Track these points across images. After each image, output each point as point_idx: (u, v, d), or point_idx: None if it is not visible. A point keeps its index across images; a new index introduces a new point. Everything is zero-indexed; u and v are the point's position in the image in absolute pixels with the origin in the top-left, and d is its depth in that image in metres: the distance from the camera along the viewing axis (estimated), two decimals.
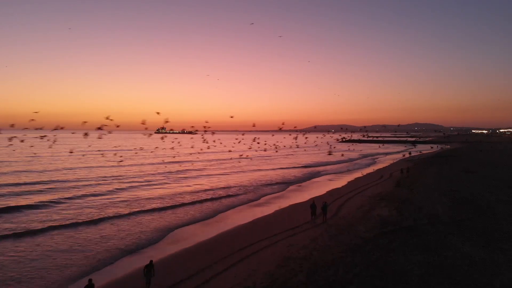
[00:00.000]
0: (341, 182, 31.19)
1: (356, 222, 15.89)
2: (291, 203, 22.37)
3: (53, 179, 30.17)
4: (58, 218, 17.32)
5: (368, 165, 47.36)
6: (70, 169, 38.56)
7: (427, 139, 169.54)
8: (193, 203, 22.26)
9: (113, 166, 40.88)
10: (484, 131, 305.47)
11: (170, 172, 37.03)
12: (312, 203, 17.29)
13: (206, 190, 26.88)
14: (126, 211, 18.94)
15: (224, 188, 27.44)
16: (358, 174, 36.34)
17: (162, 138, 41.08)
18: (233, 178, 32.90)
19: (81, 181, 29.52)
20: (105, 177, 32.02)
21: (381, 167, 43.98)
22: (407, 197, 20.96)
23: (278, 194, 26.11)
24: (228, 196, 24.51)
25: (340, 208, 19.63)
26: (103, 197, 22.86)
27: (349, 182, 30.86)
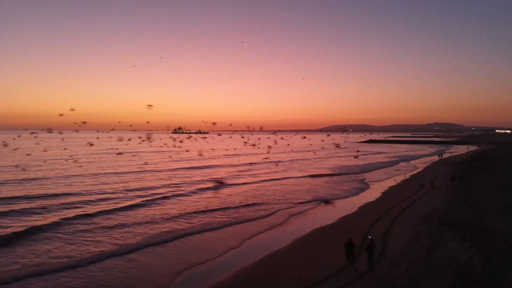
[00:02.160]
0: (373, 193, 25.34)
1: (420, 272, 10.23)
2: (316, 224, 16.70)
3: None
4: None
5: (399, 169, 41.36)
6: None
7: (451, 139, 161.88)
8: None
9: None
10: (507, 131, 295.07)
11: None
12: (347, 241, 11.14)
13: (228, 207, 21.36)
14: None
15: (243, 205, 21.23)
16: (390, 182, 30.44)
17: (189, 137, 41.79)
18: (257, 189, 26.68)
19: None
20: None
21: (415, 172, 38.01)
22: (477, 221, 15.04)
23: (302, 208, 20.22)
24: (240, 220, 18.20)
25: (386, 239, 13.82)
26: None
27: (383, 194, 24.91)
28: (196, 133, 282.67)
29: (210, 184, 27.45)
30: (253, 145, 40.04)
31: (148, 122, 58.86)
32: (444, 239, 12.96)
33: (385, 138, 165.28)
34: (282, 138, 77.76)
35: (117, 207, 19.25)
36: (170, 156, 50.47)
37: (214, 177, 31.63)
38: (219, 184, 27.51)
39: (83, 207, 19.28)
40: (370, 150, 79.86)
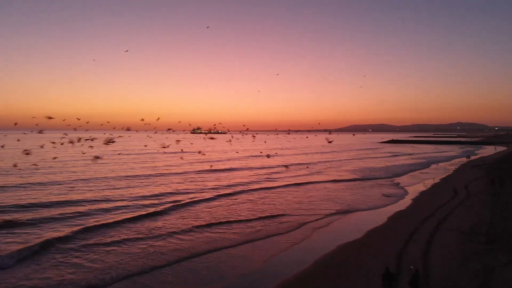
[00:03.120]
0: (403, 200, 23.01)
1: None
2: (341, 239, 14.42)
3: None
4: None
5: (427, 172, 38.91)
6: (191, 172, 34.95)
7: (475, 139, 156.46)
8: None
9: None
10: None
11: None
12: (385, 273, 9.07)
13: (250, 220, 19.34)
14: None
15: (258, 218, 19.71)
16: (420, 187, 28.04)
17: (212, 138, 46.86)
18: (279, 195, 24.33)
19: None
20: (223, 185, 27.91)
21: (445, 175, 35.50)
22: None
23: (323, 221, 17.54)
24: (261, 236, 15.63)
25: (427, 261, 11.53)
26: None
27: (414, 201, 22.59)
28: (214, 133, 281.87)
29: (230, 190, 25.56)
30: (266, 152, 37.69)
31: (157, 119, 57.58)
32: (499, 262, 10.78)
33: (406, 138, 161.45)
34: (307, 137, 76.22)
35: (128, 217, 17.38)
36: (181, 158, 49.00)
37: (235, 181, 29.74)
38: (240, 189, 25.92)
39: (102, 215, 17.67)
40: (393, 151, 76.91)
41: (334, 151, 71.41)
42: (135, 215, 17.44)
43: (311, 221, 17.36)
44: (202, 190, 25.19)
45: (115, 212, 17.99)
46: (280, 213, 18.86)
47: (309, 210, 19.56)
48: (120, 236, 14.40)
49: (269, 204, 21.33)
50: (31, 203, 19.64)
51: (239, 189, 25.82)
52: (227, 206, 20.50)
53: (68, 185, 25.82)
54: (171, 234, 14.95)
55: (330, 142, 34.46)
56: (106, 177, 30.05)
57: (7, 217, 16.47)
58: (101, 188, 25.06)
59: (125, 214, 17.74)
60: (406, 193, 25.74)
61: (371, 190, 26.88)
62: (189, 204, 20.49)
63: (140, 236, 14.63)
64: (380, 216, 18.59)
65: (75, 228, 15.07)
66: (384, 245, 13.47)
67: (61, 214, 17.56)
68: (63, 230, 14.91)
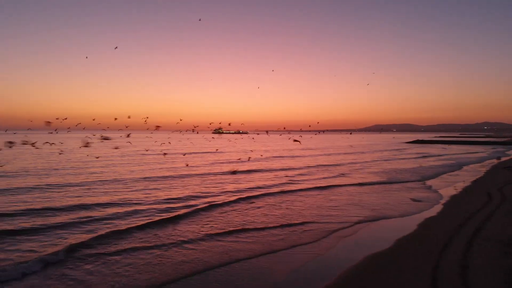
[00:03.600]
0: (432, 204, 21.25)
1: None
2: (368, 248, 13.19)
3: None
4: None
5: (456, 174, 36.97)
6: (213, 174, 32.43)
7: (504, 139, 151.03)
8: None
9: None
10: None
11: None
12: None
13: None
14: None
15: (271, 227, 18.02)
16: (450, 190, 26.27)
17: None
18: (301, 199, 22.86)
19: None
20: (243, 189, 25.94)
21: (476, 178, 33.54)
22: None
23: (348, 229, 16.07)
24: (282, 247, 14.52)
25: (467, 277, 10.17)
26: None
27: (445, 206, 20.90)
28: (235, 133, 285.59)
29: (249, 193, 24.25)
30: (296, 141, 35.23)
31: (180, 121, 58.40)
32: None
33: (432, 138, 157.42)
34: (323, 131, 74.72)
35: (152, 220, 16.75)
36: (201, 158, 48.36)
37: (255, 184, 28.41)
38: (260, 192, 24.55)
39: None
40: (420, 152, 74.43)
41: (358, 152, 69.61)
42: (143, 222, 16.31)
43: (335, 229, 16.01)
44: (220, 193, 24.11)
45: (127, 218, 17.06)
46: (302, 219, 17.52)
47: (333, 217, 18.14)
48: (124, 246, 13.50)
49: (290, 209, 20.01)
50: (48, 207, 18.99)
51: (259, 192, 24.47)
52: (246, 211, 19.28)
53: (84, 187, 25.41)
54: (183, 243, 13.88)
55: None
56: (123, 179, 29.47)
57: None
58: (118, 190, 24.38)
59: (135, 220, 16.75)
60: (436, 197, 23.99)
61: (399, 194, 25.22)
62: (204, 209, 19.33)
63: (148, 244, 13.71)
64: (409, 223, 17.14)
65: (83, 236, 14.36)
66: (416, 257, 12.23)
67: (71, 219, 16.83)
68: (76, 236, 14.25)
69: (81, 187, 25.40)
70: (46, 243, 13.51)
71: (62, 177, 29.94)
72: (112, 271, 11.22)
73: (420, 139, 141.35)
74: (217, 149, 64.69)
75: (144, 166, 40.21)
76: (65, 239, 13.99)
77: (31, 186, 25.35)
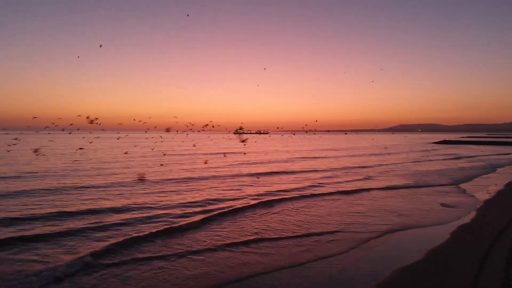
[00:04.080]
0: (464, 211, 19.53)
1: None
2: (398, 261, 11.74)
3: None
4: None
5: (488, 177, 34.52)
6: (230, 176, 30.04)
7: None
8: None
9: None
10: None
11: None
12: None
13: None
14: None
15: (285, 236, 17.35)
16: (482, 195, 24.43)
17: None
18: (323, 205, 21.32)
19: None
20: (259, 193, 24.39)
21: (510, 181, 31.51)
22: None
23: (376, 240, 14.64)
24: (303, 260, 13.77)
25: None
26: None
27: (479, 212, 19.31)
28: (256, 133, 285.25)
29: (270, 197, 22.86)
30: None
31: (211, 121, 58.48)
32: None
33: (460, 138, 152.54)
34: (344, 133, 73.05)
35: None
36: (224, 157, 47.46)
37: (276, 187, 26.81)
38: (281, 197, 23.10)
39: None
40: (448, 153, 71.66)
41: (382, 154, 67.45)
42: (147, 232, 14.97)
43: (363, 239, 14.64)
44: (238, 197, 22.82)
45: (135, 226, 16.03)
46: (327, 228, 16.15)
47: (361, 225, 16.70)
48: (127, 257, 12.51)
49: (313, 215, 18.55)
50: (60, 212, 18.28)
51: (280, 197, 23.04)
52: (265, 218, 17.97)
53: (101, 189, 24.87)
54: (191, 253, 12.76)
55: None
56: (145, 180, 28.91)
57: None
58: (133, 193, 23.61)
59: (145, 228, 15.71)
60: (471, 202, 22.27)
61: (428, 198, 23.54)
62: (220, 215, 18.05)
63: (152, 254, 12.68)
64: (441, 232, 15.65)
65: (93, 245, 13.54)
66: (451, 271, 10.91)
67: (84, 224, 16.07)
68: (87, 245, 13.47)
69: (97, 189, 24.89)
70: (58, 251, 12.79)
71: (79, 178, 29.63)
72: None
73: (447, 139, 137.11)
74: (245, 153, 63.66)
75: (165, 167, 39.61)
76: (80, 246, 13.25)
77: (46, 188, 24.96)
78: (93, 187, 25.77)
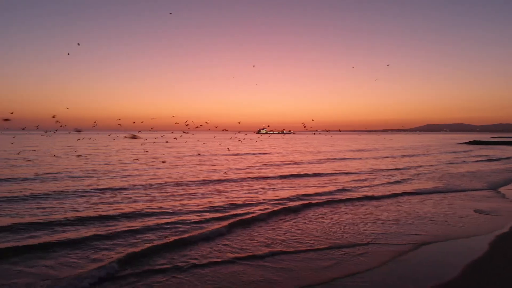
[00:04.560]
0: (501, 219, 17.66)
1: None
2: (430, 279, 10.22)
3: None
4: None
5: None
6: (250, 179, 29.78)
7: None
8: None
9: None
10: None
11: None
12: None
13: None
14: None
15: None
16: None
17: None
18: (349, 212, 19.84)
19: None
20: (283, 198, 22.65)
21: None
22: None
23: (407, 254, 13.15)
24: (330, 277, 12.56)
25: None
26: None
27: None
28: (279, 133, 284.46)
29: (293, 203, 21.11)
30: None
31: (239, 123, 58.61)
32: None
33: (490, 138, 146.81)
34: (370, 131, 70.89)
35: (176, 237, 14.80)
36: (242, 159, 46.27)
37: (301, 191, 25.13)
38: (305, 202, 21.40)
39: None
40: (479, 154, 68.35)
41: (410, 155, 64.89)
42: (153, 245, 13.46)
43: (396, 252, 13.13)
44: (257, 202, 21.32)
45: (141, 236, 14.73)
46: (354, 238, 14.66)
47: (391, 236, 15.11)
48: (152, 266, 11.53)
49: (339, 224, 16.99)
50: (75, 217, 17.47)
51: (303, 202, 21.38)
52: (286, 226, 16.49)
53: (121, 192, 24.12)
54: (195, 267, 11.55)
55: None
56: (162, 183, 27.91)
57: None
58: (145, 198, 22.52)
59: (152, 239, 14.30)
60: (507, 208, 20.38)
61: (462, 204, 21.78)
62: (235, 225, 16.42)
63: (155, 267, 11.50)
64: (479, 243, 14.13)
65: (116, 252, 12.59)
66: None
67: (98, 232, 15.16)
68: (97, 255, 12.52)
69: (117, 192, 24.19)
70: (79, 259, 11.96)
71: (98, 180, 29.05)
72: None
73: (477, 139, 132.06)
74: (269, 151, 62.46)
75: (184, 168, 38.79)
76: (102, 254, 12.38)
77: (60, 191, 24.35)
78: (114, 189, 25.10)
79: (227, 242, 14.07)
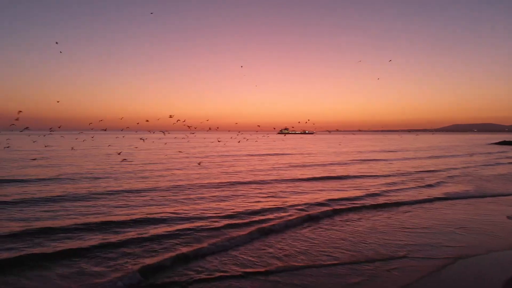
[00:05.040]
0: None
1: None
2: None
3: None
4: None
5: None
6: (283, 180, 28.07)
7: None
8: None
9: None
10: None
11: None
12: None
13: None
14: None
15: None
16: None
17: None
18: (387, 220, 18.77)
19: None
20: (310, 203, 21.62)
21: None
22: None
23: (447, 269, 11.78)
24: None
25: None
26: None
27: None
28: (300, 133, 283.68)
29: (316, 210, 19.43)
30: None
31: (259, 126, 58.35)
32: None
33: None
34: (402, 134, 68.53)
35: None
36: (263, 160, 45.14)
37: (325, 196, 23.36)
38: (330, 208, 19.94)
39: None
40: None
41: (439, 156, 62.28)
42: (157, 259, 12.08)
43: (431, 268, 11.73)
44: (277, 208, 19.78)
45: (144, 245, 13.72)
46: (384, 251, 13.30)
47: (426, 248, 13.70)
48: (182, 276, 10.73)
49: (367, 234, 15.49)
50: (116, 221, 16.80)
51: (327, 208, 19.81)
52: (309, 236, 15.12)
53: (135, 195, 23.46)
54: (218, 281, 10.53)
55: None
56: (179, 186, 27.11)
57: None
58: (168, 200, 21.92)
59: (159, 249, 13.21)
60: None
61: (494, 210, 20.23)
62: (253, 236, 14.98)
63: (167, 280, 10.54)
64: None
65: (139, 260, 11.80)
66: None
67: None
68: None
69: (132, 194, 23.58)
70: (101, 267, 11.23)
71: (115, 182, 28.54)
72: None
73: (508, 139, 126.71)
74: (291, 151, 61.32)
75: (204, 170, 38.04)
76: (126, 261, 11.67)
77: (77, 193, 23.87)
78: (135, 191, 24.53)
79: (246, 252, 13.05)
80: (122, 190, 24.70)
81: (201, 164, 42.40)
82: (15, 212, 18.14)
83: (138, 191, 24.73)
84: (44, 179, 29.02)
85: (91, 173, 33.46)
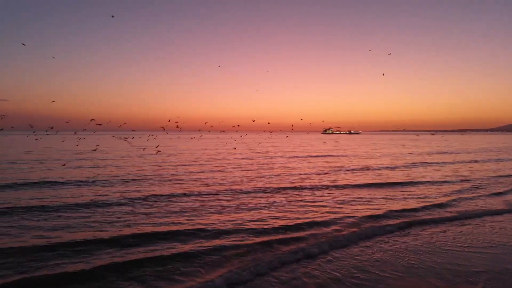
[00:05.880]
0: None
1: None
2: None
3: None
4: None
5: None
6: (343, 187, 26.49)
7: None
8: None
9: None
10: None
11: None
12: None
13: None
14: None
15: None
16: None
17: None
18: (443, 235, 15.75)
19: None
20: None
21: None
22: None
23: None
24: None
25: None
26: None
27: None
28: (346, 133, 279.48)
29: (364, 224, 16.73)
30: None
31: (292, 125, 56.19)
32: None
33: None
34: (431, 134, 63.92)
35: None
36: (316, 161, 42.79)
37: (371, 208, 20.24)
38: (377, 225, 16.87)
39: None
40: None
41: (496, 159, 56.41)
42: None
43: None
44: (331, 220, 17.05)
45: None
46: (465, 274, 11.08)
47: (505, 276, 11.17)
48: None
49: (429, 259, 12.72)
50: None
51: (376, 224, 16.90)
52: (363, 258, 12.58)
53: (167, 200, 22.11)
54: None
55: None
56: (216, 191, 25.43)
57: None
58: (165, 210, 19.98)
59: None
60: None
61: None
62: (284, 260, 12.35)
63: None
64: None
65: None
66: None
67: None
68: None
69: (164, 197, 22.56)
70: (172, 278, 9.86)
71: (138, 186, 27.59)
72: None
73: None
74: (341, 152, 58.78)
75: (251, 172, 36.60)
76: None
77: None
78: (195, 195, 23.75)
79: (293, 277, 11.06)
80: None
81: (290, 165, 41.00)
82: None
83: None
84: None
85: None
